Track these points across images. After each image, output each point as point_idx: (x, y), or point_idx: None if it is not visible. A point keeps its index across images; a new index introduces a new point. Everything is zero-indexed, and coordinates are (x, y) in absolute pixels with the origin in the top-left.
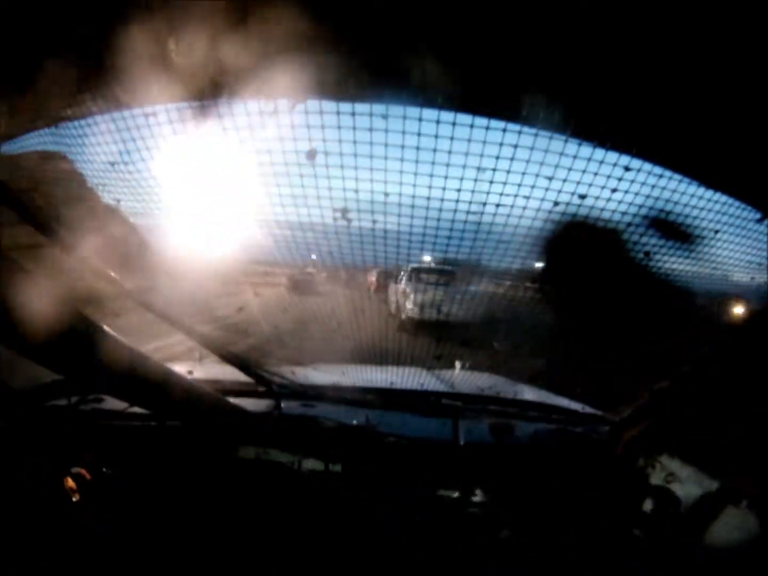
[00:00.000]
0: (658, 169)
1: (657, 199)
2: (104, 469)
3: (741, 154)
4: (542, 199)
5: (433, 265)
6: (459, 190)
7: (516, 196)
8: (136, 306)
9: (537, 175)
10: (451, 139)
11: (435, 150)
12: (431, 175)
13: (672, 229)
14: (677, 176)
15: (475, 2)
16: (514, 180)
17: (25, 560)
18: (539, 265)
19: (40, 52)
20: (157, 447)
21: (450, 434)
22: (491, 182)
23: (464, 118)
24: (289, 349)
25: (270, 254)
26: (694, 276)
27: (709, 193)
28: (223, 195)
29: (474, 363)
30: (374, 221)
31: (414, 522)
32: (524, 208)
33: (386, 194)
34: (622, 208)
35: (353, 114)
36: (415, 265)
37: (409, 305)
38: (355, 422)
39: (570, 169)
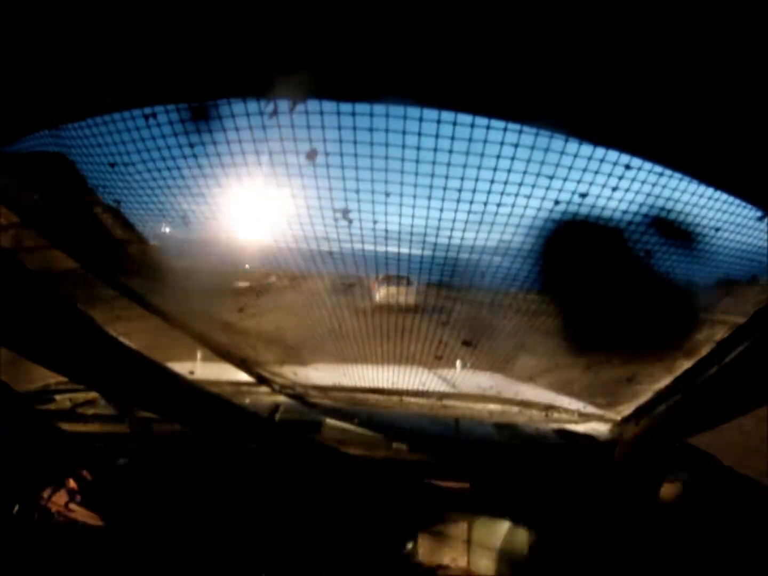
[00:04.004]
0: (657, 168)
1: (657, 197)
2: (105, 470)
3: (741, 151)
4: (543, 198)
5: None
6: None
7: (516, 194)
8: (138, 307)
9: (538, 174)
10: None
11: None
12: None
13: (671, 228)
14: (677, 175)
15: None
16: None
17: (26, 560)
18: (538, 266)
19: (41, 53)
20: (157, 448)
21: (451, 434)
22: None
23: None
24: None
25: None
26: (694, 275)
27: (708, 191)
28: (224, 195)
29: (474, 363)
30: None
31: (415, 522)
32: (524, 207)
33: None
34: (622, 207)
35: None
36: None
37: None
38: (356, 422)
39: (570, 168)
